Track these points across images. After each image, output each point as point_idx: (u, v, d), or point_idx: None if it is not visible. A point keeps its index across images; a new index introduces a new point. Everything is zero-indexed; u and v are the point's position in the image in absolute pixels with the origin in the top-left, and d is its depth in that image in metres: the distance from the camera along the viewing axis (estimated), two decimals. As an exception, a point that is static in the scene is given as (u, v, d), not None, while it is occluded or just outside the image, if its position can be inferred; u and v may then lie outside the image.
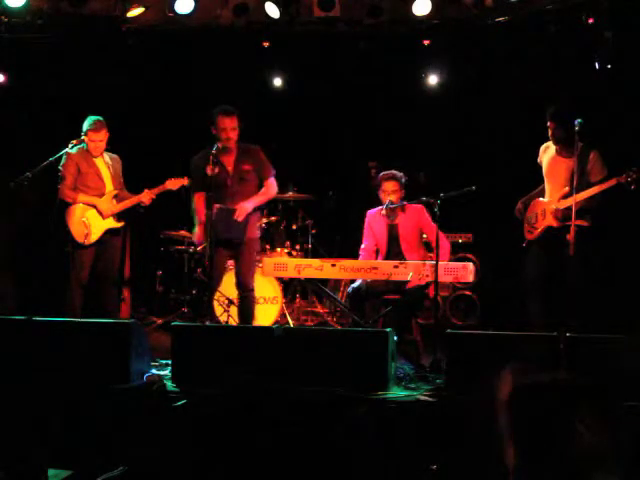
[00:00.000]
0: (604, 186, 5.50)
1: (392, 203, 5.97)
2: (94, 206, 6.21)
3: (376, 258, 6.04)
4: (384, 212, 6.02)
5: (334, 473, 4.10)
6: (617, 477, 1.42)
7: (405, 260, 5.79)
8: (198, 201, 5.91)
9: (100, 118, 6.17)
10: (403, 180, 5.99)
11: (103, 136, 6.17)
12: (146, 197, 6.24)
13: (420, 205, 5.90)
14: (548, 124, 5.72)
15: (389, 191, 5.93)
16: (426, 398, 4.44)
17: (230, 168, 5.87)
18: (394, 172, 6.01)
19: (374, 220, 6.11)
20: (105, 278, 6.32)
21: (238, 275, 5.94)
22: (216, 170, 5.69)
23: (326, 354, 4.56)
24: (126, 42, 6.89)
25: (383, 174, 6.03)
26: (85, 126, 6.15)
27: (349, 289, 6.00)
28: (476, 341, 4.65)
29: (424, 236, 6.20)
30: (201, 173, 5.79)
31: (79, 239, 6.15)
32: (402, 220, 6.05)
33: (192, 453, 4.22)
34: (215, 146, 5.75)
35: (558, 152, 5.82)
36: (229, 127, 5.79)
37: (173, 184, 6.17)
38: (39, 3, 6.66)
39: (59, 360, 4.64)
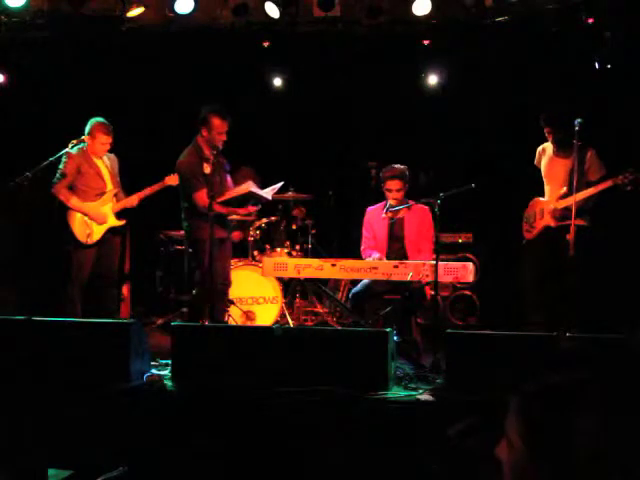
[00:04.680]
0: (600, 187, 5.53)
1: (392, 207, 5.97)
2: (84, 214, 6.17)
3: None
4: (385, 215, 6.02)
5: (334, 472, 4.11)
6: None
7: (405, 258, 5.79)
8: (205, 197, 5.84)
9: (106, 121, 6.17)
10: (407, 174, 5.97)
11: (111, 139, 6.18)
12: (135, 201, 6.29)
13: (426, 207, 5.89)
14: (545, 129, 5.76)
15: (393, 189, 5.92)
16: (426, 398, 4.45)
17: (215, 166, 5.91)
18: (396, 168, 5.95)
19: (374, 217, 6.11)
20: (105, 278, 6.32)
21: (224, 270, 6.07)
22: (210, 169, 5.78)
23: (326, 354, 4.56)
24: (126, 42, 6.88)
25: (385, 172, 5.97)
26: (92, 128, 6.12)
27: (351, 293, 5.99)
28: (476, 341, 4.65)
29: None
30: (199, 171, 5.80)
31: (82, 239, 6.14)
32: (408, 218, 6.03)
33: (191, 452, 4.22)
34: (217, 147, 5.81)
35: (555, 153, 5.85)
36: (225, 130, 5.81)
37: (173, 180, 6.16)
38: (39, 3, 6.66)
39: (59, 360, 4.64)
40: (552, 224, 5.74)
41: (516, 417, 1.49)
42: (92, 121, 6.16)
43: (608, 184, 5.50)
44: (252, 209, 6.23)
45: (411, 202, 5.95)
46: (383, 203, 6.09)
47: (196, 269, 6.01)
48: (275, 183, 6.19)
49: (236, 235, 7.17)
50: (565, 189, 5.64)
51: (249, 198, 6.03)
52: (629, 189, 5.40)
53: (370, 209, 6.17)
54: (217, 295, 5.91)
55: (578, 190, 5.46)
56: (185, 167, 5.94)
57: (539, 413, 1.47)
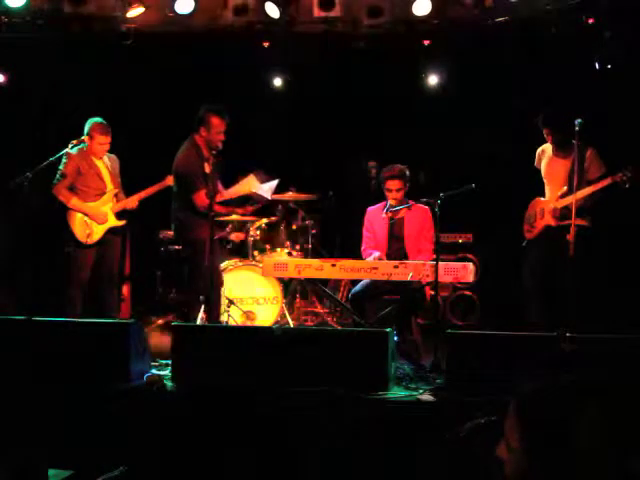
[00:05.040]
0: (600, 185, 5.54)
1: (392, 207, 5.97)
2: (85, 214, 6.17)
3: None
4: (385, 215, 6.02)
5: (334, 472, 4.11)
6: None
7: (405, 258, 5.79)
8: (205, 197, 5.82)
9: (104, 121, 6.16)
10: (407, 174, 5.96)
11: (110, 139, 6.18)
12: (133, 203, 6.29)
13: (426, 207, 5.89)
14: (543, 131, 5.76)
15: (393, 189, 5.91)
16: (426, 398, 4.45)
17: (213, 166, 5.90)
18: (396, 168, 5.93)
19: (374, 217, 6.11)
20: (106, 278, 6.33)
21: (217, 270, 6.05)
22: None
23: (326, 354, 4.56)
24: (126, 42, 6.88)
25: (385, 171, 5.96)
26: (91, 128, 6.12)
27: (351, 293, 5.99)
28: (476, 341, 4.66)
29: None
30: (199, 171, 5.79)
31: (82, 239, 6.15)
32: (408, 218, 6.03)
33: (190, 452, 4.23)
34: (217, 147, 5.81)
35: (555, 153, 5.86)
36: (223, 130, 5.81)
37: (173, 180, 6.16)
38: (39, 3, 6.66)
39: (59, 360, 4.64)
40: (552, 224, 5.74)
41: (515, 418, 1.49)
42: (90, 121, 6.16)
43: (607, 182, 5.50)
44: (250, 209, 6.22)
45: (411, 202, 5.95)
46: (383, 203, 6.09)
47: (194, 270, 5.98)
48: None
49: (238, 236, 7.17)
50: (565, 188, 5.64)
51: (248, 198, 6.03)
52: (627, 187, 5.40)
53: (370, 209, 6.17)
54: (216, 295, 5.92)
55: (578, 189, 5.46)
56: (185, 166, 5.91)
57: (538, 414, 1.47)
